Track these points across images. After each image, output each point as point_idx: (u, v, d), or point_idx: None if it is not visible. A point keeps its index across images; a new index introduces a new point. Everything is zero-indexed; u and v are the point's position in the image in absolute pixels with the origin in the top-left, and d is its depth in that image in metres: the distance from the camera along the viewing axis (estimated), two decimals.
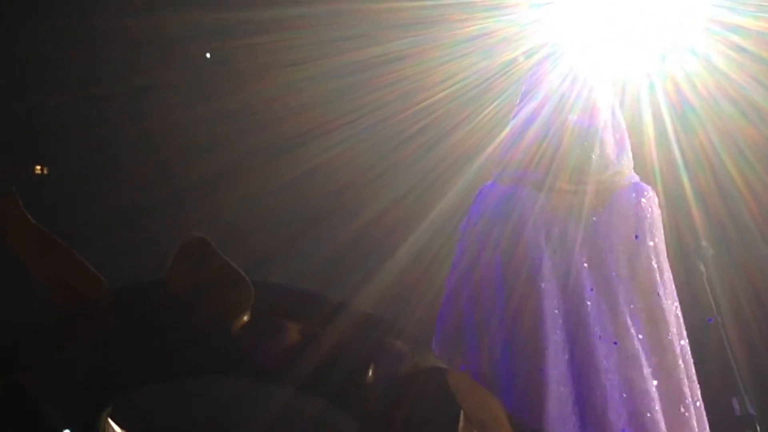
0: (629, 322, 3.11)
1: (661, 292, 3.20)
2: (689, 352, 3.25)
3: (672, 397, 3.12)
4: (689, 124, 5.55)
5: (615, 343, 3.09)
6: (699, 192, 5.38)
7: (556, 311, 3.14)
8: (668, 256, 3.39)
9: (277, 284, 2.21)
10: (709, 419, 3.26)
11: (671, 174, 3.53)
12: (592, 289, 3.15)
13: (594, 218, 3.27)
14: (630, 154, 3.45)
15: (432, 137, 5.57)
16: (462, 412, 2.00)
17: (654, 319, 3.17)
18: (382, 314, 2.15)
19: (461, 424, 1.99)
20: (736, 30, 5.31)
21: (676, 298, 3.29)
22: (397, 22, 5.25)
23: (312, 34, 5.33)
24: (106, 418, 2.17)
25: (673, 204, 5.04)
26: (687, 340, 3.27)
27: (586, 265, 3.20)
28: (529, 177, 3.36)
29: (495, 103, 5.45)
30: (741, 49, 5.37)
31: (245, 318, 2.06)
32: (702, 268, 3.77)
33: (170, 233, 4.81)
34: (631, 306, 3.14)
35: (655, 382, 3.09)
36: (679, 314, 3.29)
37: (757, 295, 5.50)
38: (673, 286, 3.31)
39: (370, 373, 2.01)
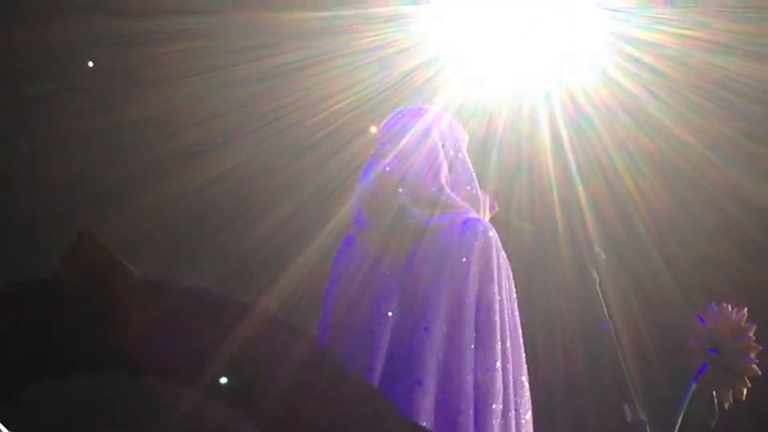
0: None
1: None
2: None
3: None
4: (584, 133, 5.67)
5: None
6: (593, 200, 5.50)
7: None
8: (563, 262, 3.43)
9: (179, 285, 2.18)
10: (601, 425, 3.31)
11: (566, 182, 3.61)
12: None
13: (404, 261, 3.26)
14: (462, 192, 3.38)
15: (333, 145, 5.62)
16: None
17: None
18: (286, 317, 2.18)
19: None
20: (632, 42, 5.42)
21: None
22: (299, 32, 5.30)
23: (216, 44, 5.35)
24: None
25: (567, 211, 5.16)
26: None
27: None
28: (358, 222, 3.42)
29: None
30: (636, 61, 5.49)
31: (141, 318, 2.03)
32: (594, 274, 3.85)
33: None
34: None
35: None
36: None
37: (649, 300, 5.64)
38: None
39: (276, 375, 2.02)
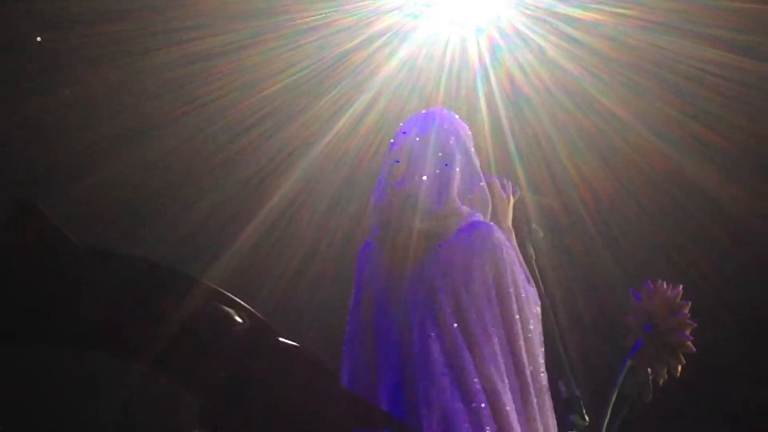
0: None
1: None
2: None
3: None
4: (522, 113, 5.66)
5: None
6: (531, 178, 5.48)
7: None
8: None
9: (122, 255, 2.15)
10: None
11: (505, 160, 3.60)
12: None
13: (407, 273, 3.32)
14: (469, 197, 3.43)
15: (272, 126, 5.58)
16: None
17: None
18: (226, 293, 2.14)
19: None
20: (569, 21, 5.41)
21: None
22: (234, 13, 5.23)
23: (153, 24, 5.28)
24: None
25: None
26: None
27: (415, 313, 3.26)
28: (374, 233, 3.44)
29: (331, 93, 5.51)
30: (573, 40, 5.48)
31: (89, 289, 2.01)
32: (531, 251, 3.84)
33: None
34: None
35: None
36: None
37: (586, 278, 5.65)
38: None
39: (220, 348, 2.01)
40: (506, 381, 3.11)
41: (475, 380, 3.08)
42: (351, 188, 5.72)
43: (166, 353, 2.00)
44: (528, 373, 3.15)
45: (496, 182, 3.54)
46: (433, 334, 3.15)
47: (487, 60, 5.49)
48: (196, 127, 5.51)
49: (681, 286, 3.89)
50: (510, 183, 3.61)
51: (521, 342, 3.17)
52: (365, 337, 3.39)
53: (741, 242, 5.82)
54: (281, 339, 2.06)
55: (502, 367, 3.11)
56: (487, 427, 3.04)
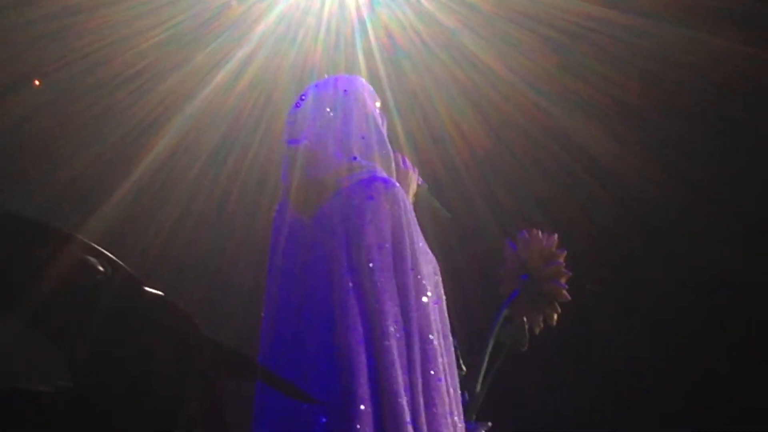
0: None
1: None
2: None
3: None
4: (401, 67, 5.67)
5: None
6: (410, 134, 5.51)
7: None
8: None
9: None
10: None
11: (383, 115, 3.61)
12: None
13: (305, 224, 3.35)
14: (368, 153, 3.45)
15: (149, 80, 5.50)
16: None
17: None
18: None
19: None
20: None
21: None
22: None
23: None
24: None
25: None
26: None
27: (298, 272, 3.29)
28: (283, 192, 3.49)
29: (209, 48, 5.45)
30: None
31: None
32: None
33: None
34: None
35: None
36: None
37: (464, 232, 5.69)
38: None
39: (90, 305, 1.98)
40: (392, 330, 3.13)
41: (360, 330, 3.10)
42: (229, 142, 5.68)
43: (35, 308, 1.97)
44: (415, 322, 3.18)
45: (398, 156, 3.56)
46: (324, 284, 3.17)
47: (365, 14, 5.49)
48: (68, 83, 5.40)
49: (556, 235, 3.97)
50: (416, 169, 3.64)
51: (412, 296, 3.20)
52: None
53: (615, 194, 5.92)
54: (147, 288, 2.04)
55: (391, 318, 3.13)
56: (370, 382, 3.06)
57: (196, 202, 5.66)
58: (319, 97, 3.47)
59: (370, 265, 3.17)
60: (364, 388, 3.03)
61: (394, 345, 3.10)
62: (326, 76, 3.63)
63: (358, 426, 2.99)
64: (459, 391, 3.31)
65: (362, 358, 3.06)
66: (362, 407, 3.00)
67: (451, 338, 3.43)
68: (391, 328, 3.12)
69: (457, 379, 3.32)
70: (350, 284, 3.15)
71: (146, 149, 5.49)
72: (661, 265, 5.98)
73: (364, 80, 3.64)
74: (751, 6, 5.46)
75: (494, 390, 3.88)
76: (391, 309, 3.14)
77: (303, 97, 3.52)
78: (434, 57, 5.69)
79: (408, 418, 3.04)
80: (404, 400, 3.04)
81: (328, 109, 3.42)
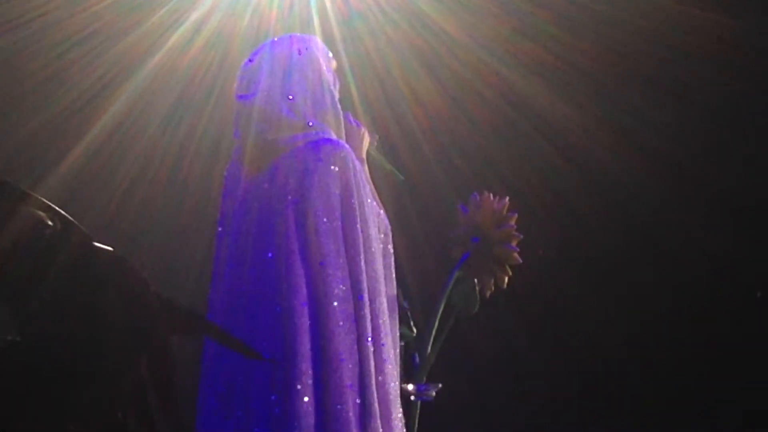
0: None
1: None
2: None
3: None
4: (355, 29, 5.65)
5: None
6: (365, 98, 5.49)
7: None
8: None
9: None
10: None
11: (339, 78, 3.59)
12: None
13: (254, 183, 3.35)
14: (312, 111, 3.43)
15: (101, 43, 5.45)
16: None
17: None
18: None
19: None
20: None
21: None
22: None
23: None
24: None
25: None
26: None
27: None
28: (234, 149, 3.50)
29: (163, 10, 5.40)
30: None
31: None
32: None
33: None
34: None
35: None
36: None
37: (418, 193, 5.71)
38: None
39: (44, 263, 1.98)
40: (338, 293, 3.15)
41: (305, 292, 3.12)
42: (183, 106, 5.64)
43: None
44: (364, 285, 3.19)
45: (348, 115, 3.58)
46: (270, 253, 3.19)
47: None
48: (17, 45, 5.34)
49: (507, 198, 3.98)
50: (365, 130, 3.64)
51: (361, 258, 3.21)
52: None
53: (569, 158, 5.94)
54: (97, 244, 2.04)
55: (336, 281, 3.15)
56: (312, 342, 3.08)
57: (150, 166, 5.63)
58: (273, 56, 3.47)
59: (317, 227, 3.19)
60: (305, 348, 3.05)
61: (338, 308, 3.12)
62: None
63: (299, 386, 3.02)
64: (398, 352, 3.36)
65: (305, 320, 3.08)
66: (303, 367, 3.03)
67: (398, 299, 3.47)
68: (336, 291, 3.14)
69: (398, 341, 3.35)
70: (296, 246, 3.17)
71: (99, 112, 5.44)
72: (616, 229, 6.00)
73: (319, 40, 3.63)
74: None
75: (445, 351, 3.90)
76: (336, 272, 3.16)
77: (256, 53, 3.53)
78: (388, 19, 5.67)
79: (348, 382, 3.07)
80: (345, 364, 3.07)
81: (281, 69, 3.43)
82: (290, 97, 3.37)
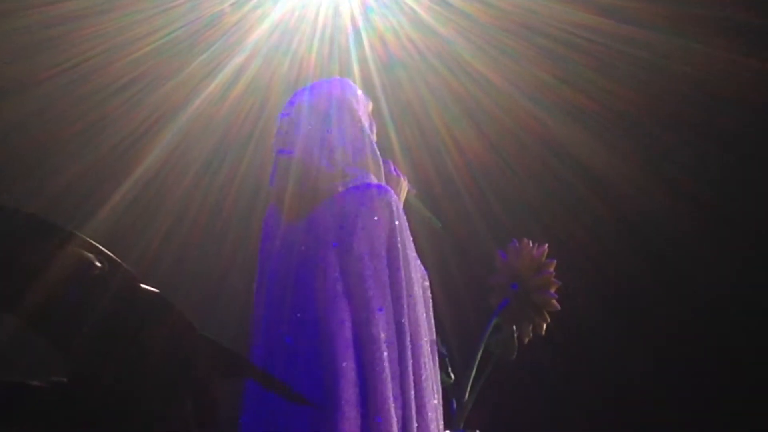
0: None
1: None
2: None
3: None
4: (395, 77, 5.66)
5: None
6: (405, 145, 5.49)
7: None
8: None
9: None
10: None
11: (378, 125, 3.58)
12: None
13: (293, 230, 3.33)
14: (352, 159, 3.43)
15: (141, 89, 5.48)
16: None
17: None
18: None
19: None
20: None
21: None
22: None
23: None
24: None
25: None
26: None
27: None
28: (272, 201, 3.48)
29: (202, 57, 5.44)
30: (445, 3, 5.50)
31: None
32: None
33: None
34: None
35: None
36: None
37: (457, 241, 5.68)
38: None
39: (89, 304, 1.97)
40: (383, 337, 3.12)
41: (349, 336, 3.09)
42: (222, 153, 5.66)
43: (32, 304, 1.96)
44: (407, 329, 3.17)
45: (388, 163, 3.54)
46: (313, 291, 3.16)
47: (360, 23, 5.47)
48: (60, 91, 5.38)
49: (546, 245, 3.94)
50: (405, 176, 3.62)
51: (404, 300, 3.19)
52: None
53: (610, 205, 5.90)
54: (143, 286, 2.03)
55: (381, 326, 3.12)
56: (357, 387, 3.05)
57: (189, 211, 5.64)
58: (308, 105, 3.46)
59: (362, 272, 3.16)
60: (349, 394, 3.02)
61: (385, 353, 3.09)
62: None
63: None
64: (441, 398, 3.32)
65: (351, 364, 3.05)
66: (347, 411, 3.00)
67: (437, 346, 3.43)
68: (382, 335, 3.11)
69: (439, 386, 3.31)
70: (340, 290, 3.15)
71: (140, 158, 5.47)
72: (658, 278, 5.95)
73: (352, 83, 3.62)
74: (749, 16, 5.45)
75: (482, 399, 3.86)
76: (382, 317, 3.13)
77: (292, 103, 3.52)
78: (429, 66, 5.68)
79: (395, 428, 3.03)
80: (392, 409, 3.04)
81: (318, 120, 3.41)
82: (328, 147, 3.36)
